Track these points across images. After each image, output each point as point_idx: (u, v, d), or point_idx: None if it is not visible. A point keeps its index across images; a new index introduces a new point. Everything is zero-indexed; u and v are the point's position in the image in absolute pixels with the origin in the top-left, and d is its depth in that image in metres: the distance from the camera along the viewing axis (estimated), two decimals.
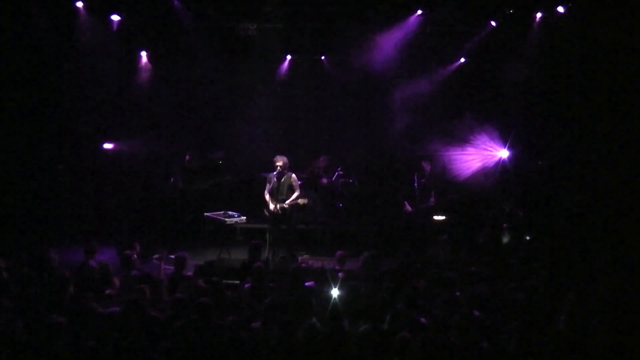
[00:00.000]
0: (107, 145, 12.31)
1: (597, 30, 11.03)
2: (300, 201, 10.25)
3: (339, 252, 8.49)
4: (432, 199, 10.91)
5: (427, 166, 10.87)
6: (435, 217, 11.16)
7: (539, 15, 11.85)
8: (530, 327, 5.90)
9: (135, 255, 8.19)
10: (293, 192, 10.12)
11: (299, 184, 10.55)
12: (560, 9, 11.47)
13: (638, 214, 10.35)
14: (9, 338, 5.53)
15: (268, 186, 10.17)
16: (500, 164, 12.42)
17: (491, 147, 12.45)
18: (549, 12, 11.69)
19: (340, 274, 7.83)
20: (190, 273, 7.89)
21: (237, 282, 7.83)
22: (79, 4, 11.62)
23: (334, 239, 11.62)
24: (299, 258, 9.92)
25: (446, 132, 12.78)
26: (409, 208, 10.76)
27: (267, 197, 10.12)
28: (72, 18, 11.69)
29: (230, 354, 5.47)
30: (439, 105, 13.06)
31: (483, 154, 12.47)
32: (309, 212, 12.24)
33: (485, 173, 12.33)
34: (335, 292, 6.95)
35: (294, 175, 10.22)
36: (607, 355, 5.59)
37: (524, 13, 11.92)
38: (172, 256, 10.10)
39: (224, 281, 7.35)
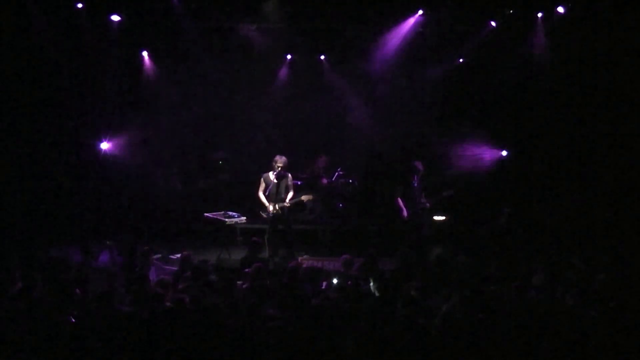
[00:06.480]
0: (106, 145, 12.31)
1: (597, 30, 11.03)
2: (304, 197, 10.22)
3: (344, 256, 8.27)
4: (424, 200, 10.70)
5: (419, 166, 10.64)
6: (435, 217, 11.15)
7: (539, 15, 11.85)
8: (531, 326, 5.91)
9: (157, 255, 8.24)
10: (289, 192, 10.10)
11: (298, 184, 10.51)
12: (560, 9, 11.47)
13: (638, 214, 10.37)
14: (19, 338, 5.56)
15: (263, 186, 10.06)
16: (499, 163, 12.46)
17: (489, 146, 12.48)
18: (549, 12, 11.69)
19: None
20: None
21: (239, 282, 7.82)
22: (79, 5, 11.61)
23: (334, 239, 11.62)
24: (299, 258, 9.93)
25: (445, 131, 12.81)
26: (404, 214, 10.49)
27: (263, 197, 10.05)
28: (72, 18, 11.69)
29: (233, 353, 5.48)
30: (439, 105, 13.06)
31: (481, 152, 12.49)
32: (309, 212, 12.26)
33: (481, 172, 12.36)
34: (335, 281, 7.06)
35: (290, 175, 10.20)
36: (607, 355, 5.59)
37: (524, 13, 11.92)
38: (173, 256, 10.16)
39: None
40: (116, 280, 7.66)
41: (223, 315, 6.06)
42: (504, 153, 12.49)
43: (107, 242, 9.02)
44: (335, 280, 7.45)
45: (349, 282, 7.34)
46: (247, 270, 7.70)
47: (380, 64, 12.77)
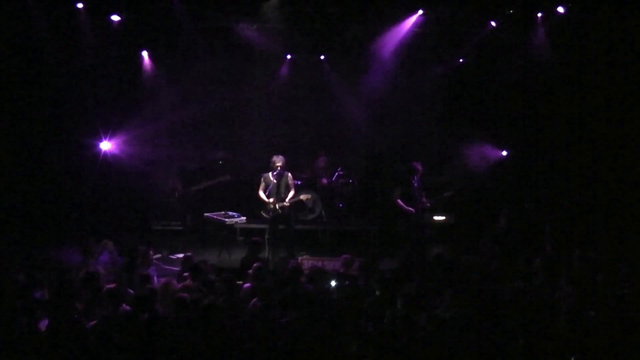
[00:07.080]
0: (106, 145, 12.31)
1: (597, 30, 11.03)
2: (302, 197, 10.20)
3: (344, 256, 8.17)
4: (425, 200, 10.64)
5: (418, 166, 10.58)
6: (435, 217, 11.14)
7: (539, 15, 11.85)
8: (531, 325, 5.91)
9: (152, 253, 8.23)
10: (289, 191, 10.07)
11: (298, 184, 10.48)
12: (560, 9, 11.47)
13: (638, 214, 10.37)
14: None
15: (263, 186, 10.03)
16: (498, 163, 12.46)
17: (490, 146, 12.48)
18: (549, 12, 11.70)
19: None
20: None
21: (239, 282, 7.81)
22: (79, 5, 11.60)
23: (334, 239, 11.62)
24: (299, 258, 9.93)
25: (445, 131, 12.81)
26: (411, 210, 10.40)
27: (263, 195, 10.03)
28: (72, 18, 11.68)
29: (233, 353, 5.48)
30: (439, 105, 13.07)
31: (481, 152, 12.50)
32: (309, 212, 12.26)
33: (481, 172, 12.36)
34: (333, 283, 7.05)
35: (289, 174, 10.16)
36: (607, 355, 5.60)
37: (524, 13, 11.92)
38: (173, 256, 10.17)
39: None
40: (119, 280, 7.66)
41: (223, 316, 6.06)
42: (504, 153, 12.49)
43: (107, 242, 9.01)
44: (333, 283, 7.41)
45: (347, 282, 7.34)
46: (249, 271, 7.68)
47: (380, 64, 12.77)
